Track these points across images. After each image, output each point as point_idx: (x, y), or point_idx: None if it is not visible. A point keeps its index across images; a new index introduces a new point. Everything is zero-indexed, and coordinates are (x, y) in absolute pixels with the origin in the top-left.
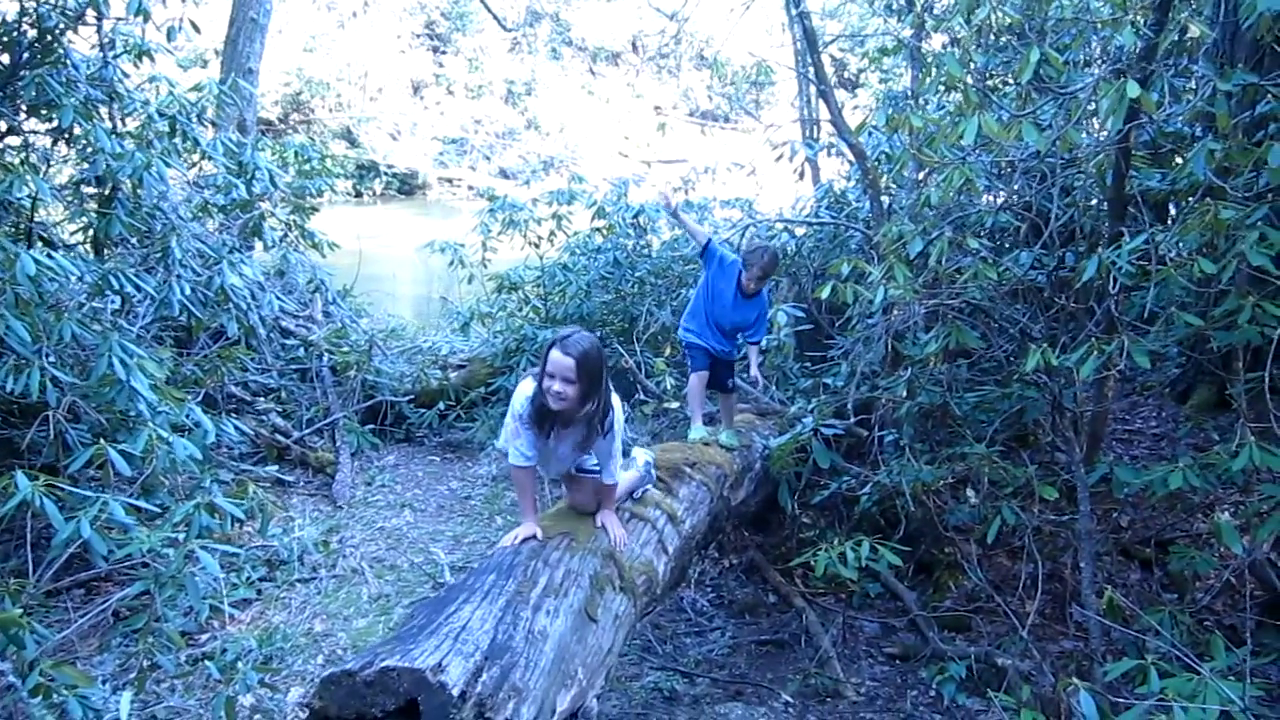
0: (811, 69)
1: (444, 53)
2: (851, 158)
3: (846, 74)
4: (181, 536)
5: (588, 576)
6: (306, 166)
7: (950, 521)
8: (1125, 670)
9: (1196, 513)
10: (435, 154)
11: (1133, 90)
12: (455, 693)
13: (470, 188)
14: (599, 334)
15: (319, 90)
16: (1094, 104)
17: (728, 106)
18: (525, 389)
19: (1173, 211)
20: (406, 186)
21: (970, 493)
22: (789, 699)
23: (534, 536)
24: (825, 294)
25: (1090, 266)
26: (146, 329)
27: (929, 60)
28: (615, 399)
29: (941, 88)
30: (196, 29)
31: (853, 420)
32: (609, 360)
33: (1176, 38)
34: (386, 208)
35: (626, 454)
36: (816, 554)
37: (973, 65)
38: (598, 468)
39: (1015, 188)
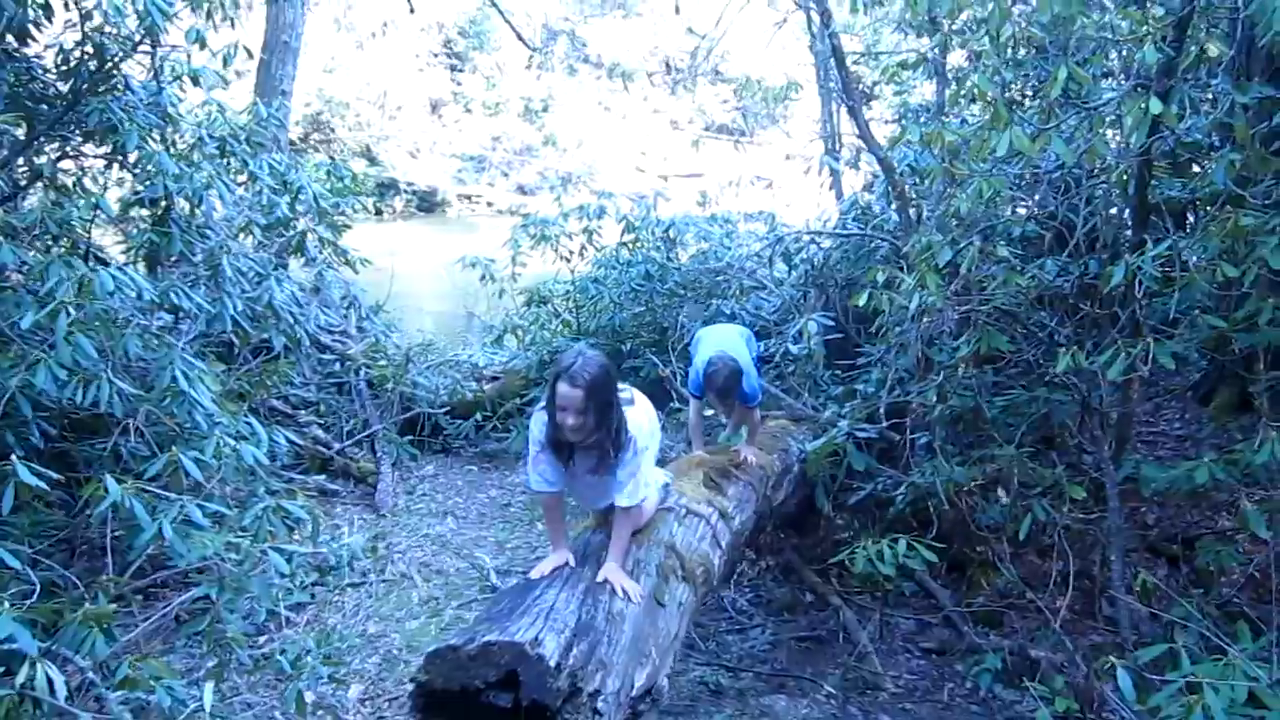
0: (839, 84)
1: (461, 71)
2: (879, 170)
3: (861, 87)
4: (247, 541)
5: (654, 565)
6: (339, 185)
7: (981, 521)
8: (1155, 656)
9: (1221, 510)
10: (454, 171)
11: (1155, 106)
12: (552, 664)
13: (489, 204)
14: (630, 346)
15: (339, 110)
16: (1116, 117)
17: (744, 121)
18: (540, 419)
19: (1191, 220)
20: (426, 203)
21: (1001, 493)
22: (831, 690)
23: (566, 564)
24: (862, 301)
25: (1118, 273)
26: (190, 344)
27: (952, 75)
28: (646, 412)
29: (961, 101)
30: (250, 54)
31: (884, 425)
32: (642, 371)
33: (1195, 53)
34: (407, 225)
35: None
36: (854, 552)
37: (998, 80)
38: None
39: (1037, 198)
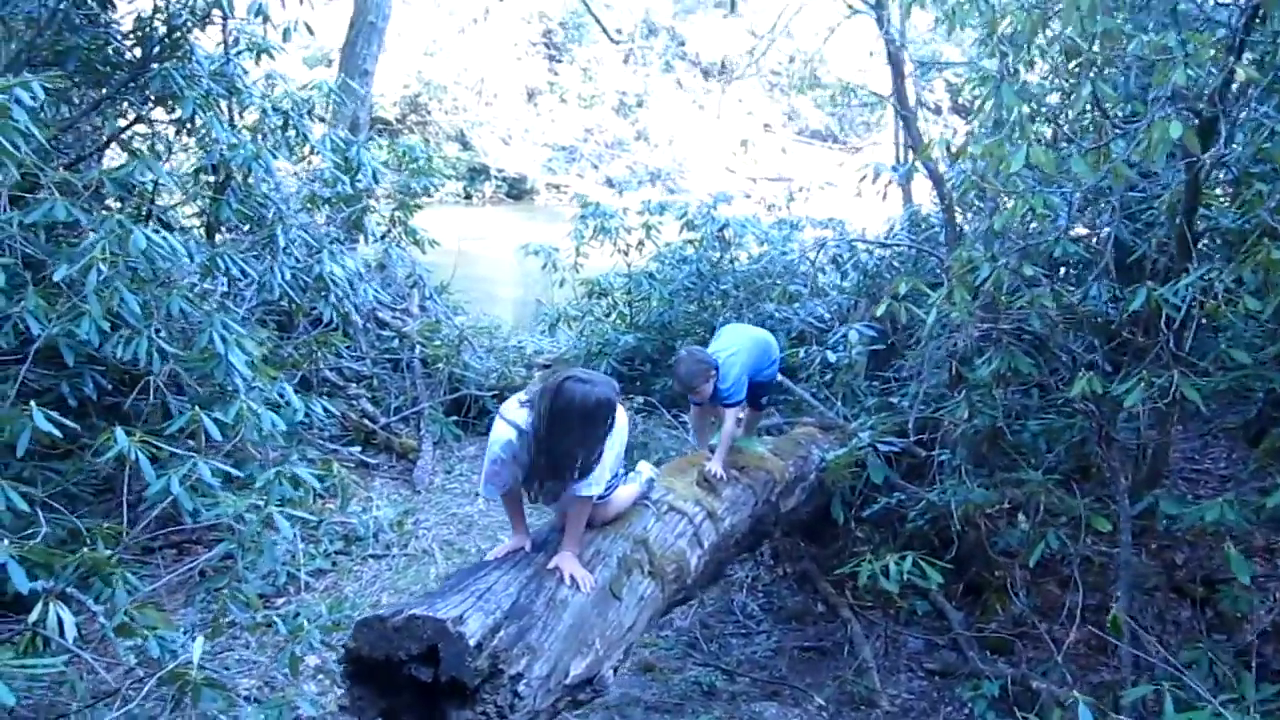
0: (894, 92)
1: (559, 61)
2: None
3: (934, 98)
4: (260, 504)
5: (615, 558)
6: (413, 166)
7: (1000, 545)
8: (1141, 696)
9: (1255, 556)
10: (545, 160)
11: (1175, 130)
12: (472, 643)
13: (575, 195)
14: (679, 343)
15: (436, 93)
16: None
17: (838, 127)
18: (502, 433)
19: None
20: (515, 191)
21: (1022, 518)
22: (822, 703)
23: (521, 549)
24: (879, 312)
25: (1137, 299)
26: (252, 311)
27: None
28: (620, 413)
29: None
30: (310, 30)
31: (912, 439)
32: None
33: (1223, 77)
34: (495, 210)
35: (630, 469)
36: (860, 565)
37: (1037, 96)
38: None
39: (1082, 218)
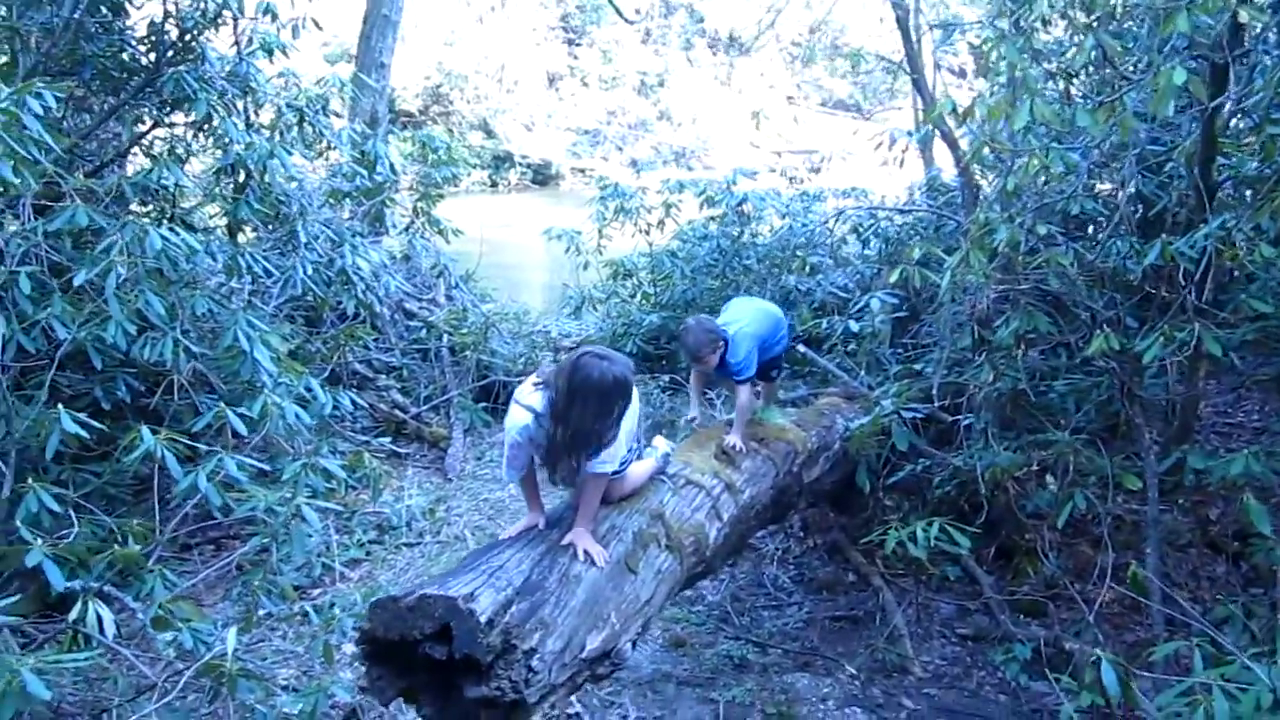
0: (905, 56)
1: (578, 45)
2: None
3: (958, 62)
4: (291, 496)
5: (631, 533)
6: (434, 156)
7: (1029, 508)
8: (1171, 651)
9: None
10: (569, 145)
11: (1179, 77)
12: (483, 619)
13: (601, 178)
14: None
15: (457, 83)
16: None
17: (861, 96)
18: (519, 418)
19: None
20: (540, 177)
21: (1050, 479)
22: (854, 671)
23: (535, 527)
24: (893, 279)
25: (1151, 252)
26: (279, 308)
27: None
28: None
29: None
30: (319, 26)
31: (936, 405)
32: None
33: (1229, 22)
34: (521, 197)
35: (647, 442)
36: (887, 532)
37: (1046, 53)
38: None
39: (1105, 174)
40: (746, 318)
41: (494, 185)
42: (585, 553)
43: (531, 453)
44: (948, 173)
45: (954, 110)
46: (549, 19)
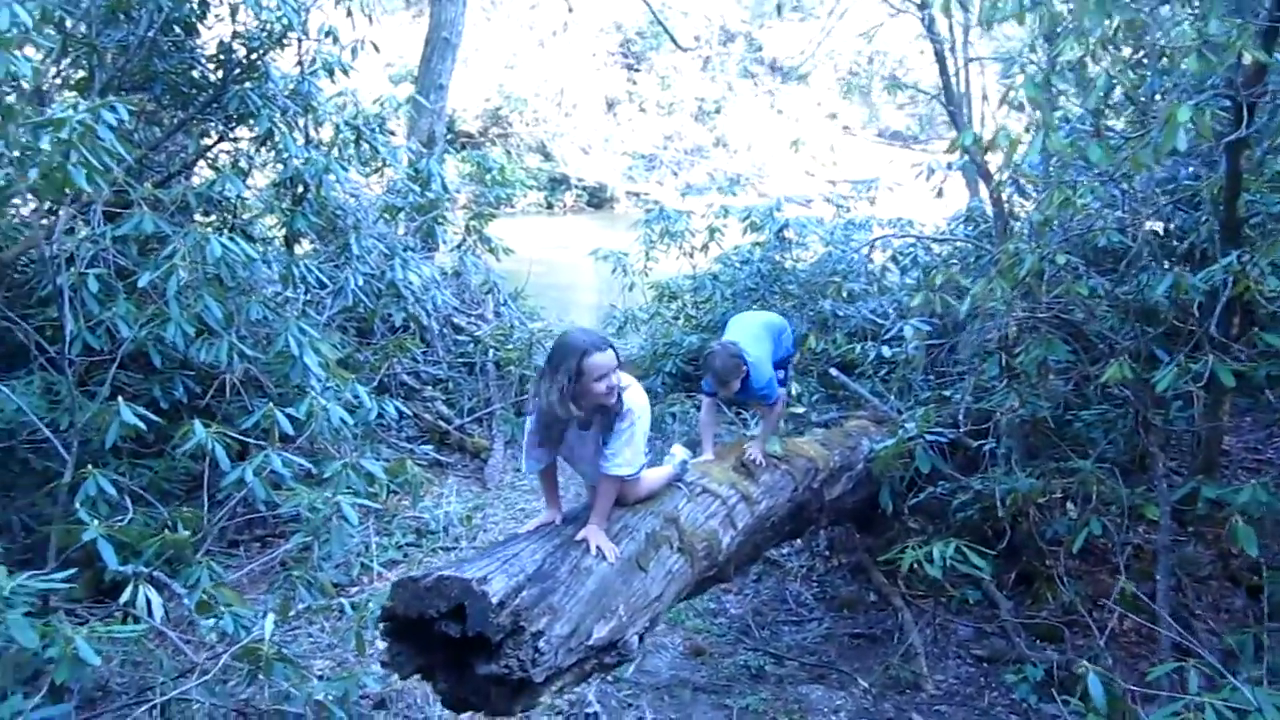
0: (940, 87)
1: (637, 70)
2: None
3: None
4: (332, 495)
5: (644, 533)
6: (487, 177)
7: (1048, 534)
8: (1166, 672)
9: None
10: (625, 169)
11: (1183, 114)
12: (495, 600)
13: (655, 202)
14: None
15: (517, 106)
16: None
17: (917, 126)
18: (530, 405)
19: None
20: (596, 199)
21: (1071, 507)
22: (867, 686)
23: (552, 523)
24: (916, 303)
25: (1161, 284)
26: (333, 318)
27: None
28: (639, 391)
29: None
30: (376, 48)
31: (962, 430)
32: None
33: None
34: (576, 219)
35: (665, 451)
36: (904, 551)
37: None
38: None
39: (1145, 207)
40: (757, 338)
41: (550, 207)
42: (597, 548)
43: (542, 438)
44: (979, 204)
45: (975, 142)
46: (609, 44)
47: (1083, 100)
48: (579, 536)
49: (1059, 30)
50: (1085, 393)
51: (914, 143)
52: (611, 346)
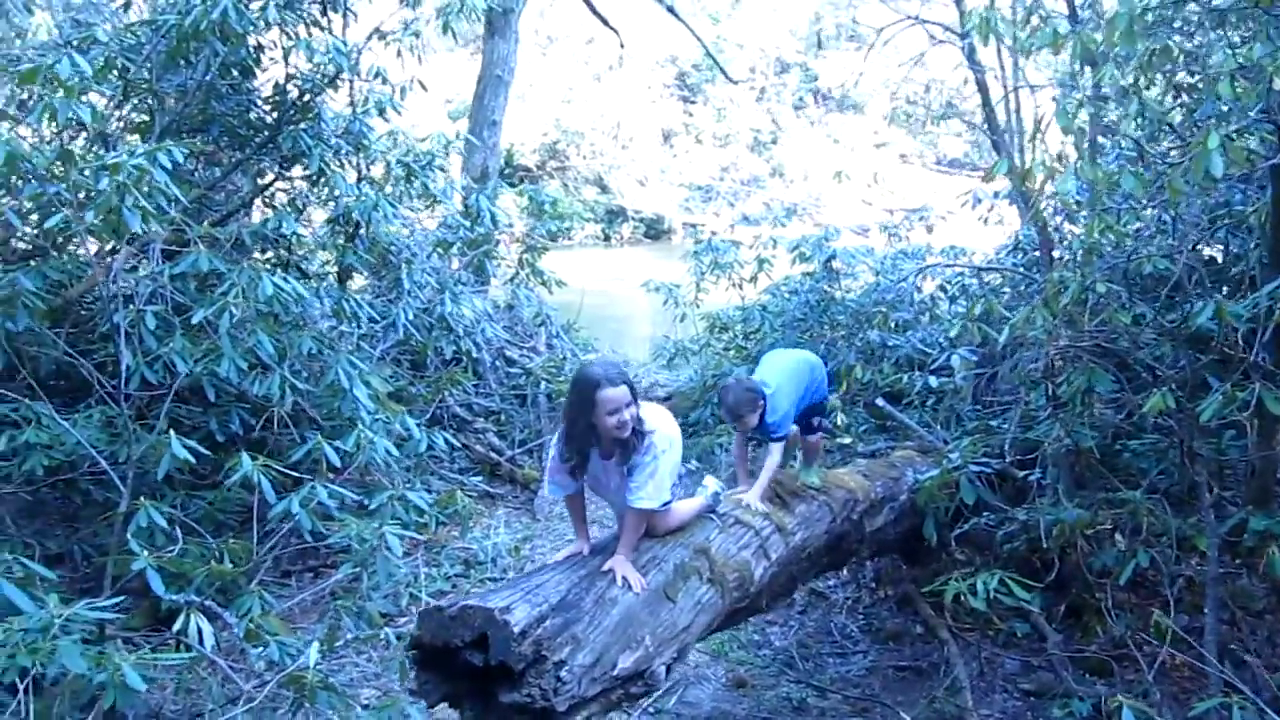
0: (984, 117)
1: (693, 102)
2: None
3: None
4: (374, 525)
5: (672, 564)
6: (540, 211)
7: (1096, 566)
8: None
9: None
10: (681, 200)
11: (1212, 141)
12: (517, 630)
13: (713, 233)
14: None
15: (574, 139)
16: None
17: (976, 154)
18: (556, 436)
19: None
20: (653, 231)
21: (1119, 538)
22: (909, 719)
23: (580, 553)
24: (954, 333)
25: (1204, 313)
26: (387, 352)
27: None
28: (665, 418)
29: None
30: (424, 87)
31: (1008, 460)
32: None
33: (1265, 89)
34: (633, 250)
35: (698, 481)
36: (947, 583)
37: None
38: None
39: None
40: (782, 373)
41: (607, 239)
42: (623, 579)
43: (564, 464)
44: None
45: (1011, 170)
46: (665, 77)
47: (1123, 126)
48: (605, 567)
49: (1095, 57)
50: (1136, 422)
51: (972, 170)
52: (626, 381)
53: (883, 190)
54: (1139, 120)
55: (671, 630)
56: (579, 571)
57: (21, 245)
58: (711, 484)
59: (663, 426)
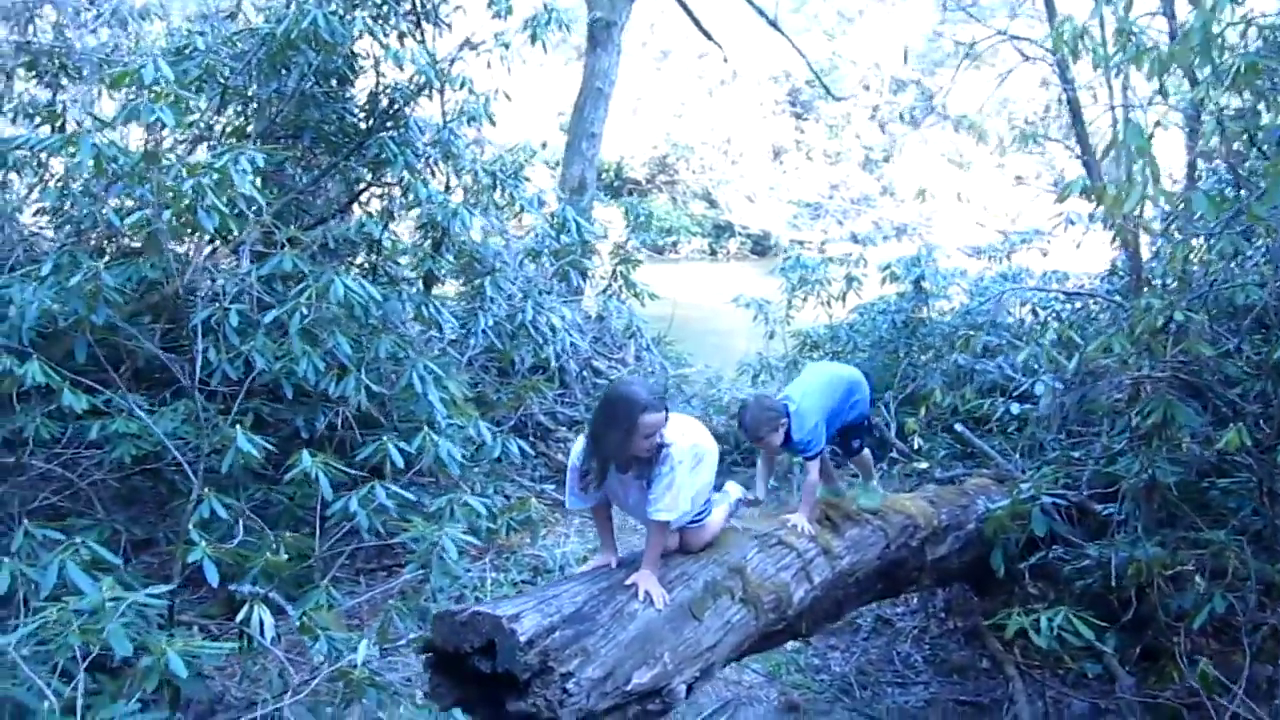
0: (1077, 139)
1: (805, 119)
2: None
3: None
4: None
5: (702, 581)
6: (636, 223)
7: (1173, 607)
8: None
9: None
10: (789, 217)
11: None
12: (523, 639)
13: (820, 251)
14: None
15: (684, 153)
16: None
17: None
18: (578, 446)
19: None
20: (759, 247)
21: (1199, 579)
22: None
23: (607, 565)
24: (1021, 358)
25: None
26: (474, 358)
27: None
28: (696, 438)
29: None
30: (508, 97)
31: (1086, 493)
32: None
33: None
34: (739, 266)
35: (719, 489)
36: (1010, 617)
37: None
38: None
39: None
40: (813, 388)
41: (713, 254)
42: (645, 593)
43: (585, 477)
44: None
45: (1083, 192)
46: (777, 94)
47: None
48: (628, 581)
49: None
50: (1225, 458)
51: (1082, 193)
52: (665, 405)
53: (997, 212)
54: (1221, 137)
55: (695, 649)
56: (600, 584)
57: (127, 243)
58: (734, 491)
59: (685, 439)
